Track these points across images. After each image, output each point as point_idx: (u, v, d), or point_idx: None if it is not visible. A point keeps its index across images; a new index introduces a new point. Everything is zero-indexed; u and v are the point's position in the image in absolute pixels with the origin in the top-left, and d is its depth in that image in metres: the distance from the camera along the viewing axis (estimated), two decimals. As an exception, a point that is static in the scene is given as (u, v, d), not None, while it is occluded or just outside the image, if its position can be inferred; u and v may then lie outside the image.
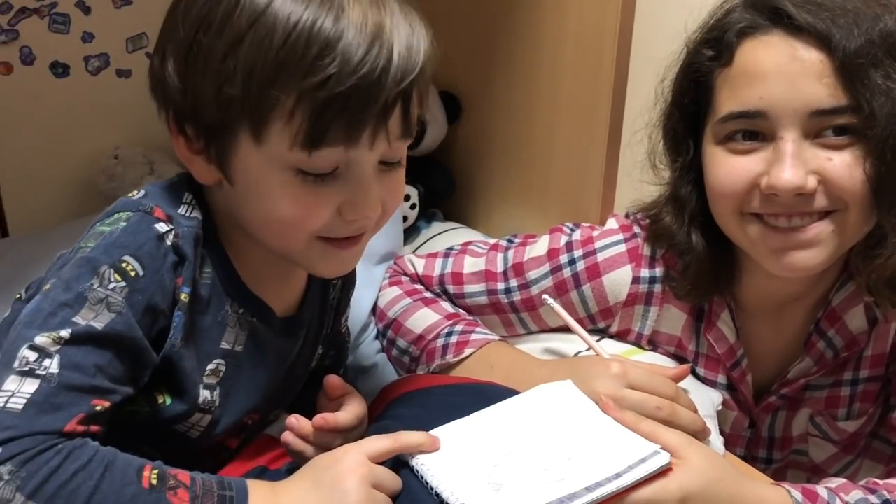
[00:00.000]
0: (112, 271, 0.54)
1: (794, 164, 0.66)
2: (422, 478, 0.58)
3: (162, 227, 0.57)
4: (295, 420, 0.64)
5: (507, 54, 1.11)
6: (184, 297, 0.58)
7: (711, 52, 0.72)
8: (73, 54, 1.13)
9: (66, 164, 1.16)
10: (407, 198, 1.14)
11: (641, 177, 0.81)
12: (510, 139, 1.14)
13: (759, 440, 0.84)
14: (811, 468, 0.85)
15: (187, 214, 0.60)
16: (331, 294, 0.75)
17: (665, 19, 0.88)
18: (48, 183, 1.15)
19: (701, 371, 0.83)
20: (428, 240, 1.15)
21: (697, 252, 0.76)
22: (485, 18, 1.13)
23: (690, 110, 0.75)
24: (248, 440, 0.69)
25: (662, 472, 0.59)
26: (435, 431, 0.62)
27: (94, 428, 0.52)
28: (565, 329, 0.83)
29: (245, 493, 0.53)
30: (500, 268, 0.88)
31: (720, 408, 0.81)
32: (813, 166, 0.67)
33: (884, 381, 0.80)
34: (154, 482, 0.50)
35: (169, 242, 0.57)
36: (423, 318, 0.88)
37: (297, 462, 0.64)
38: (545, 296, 0.83)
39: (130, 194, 0.61)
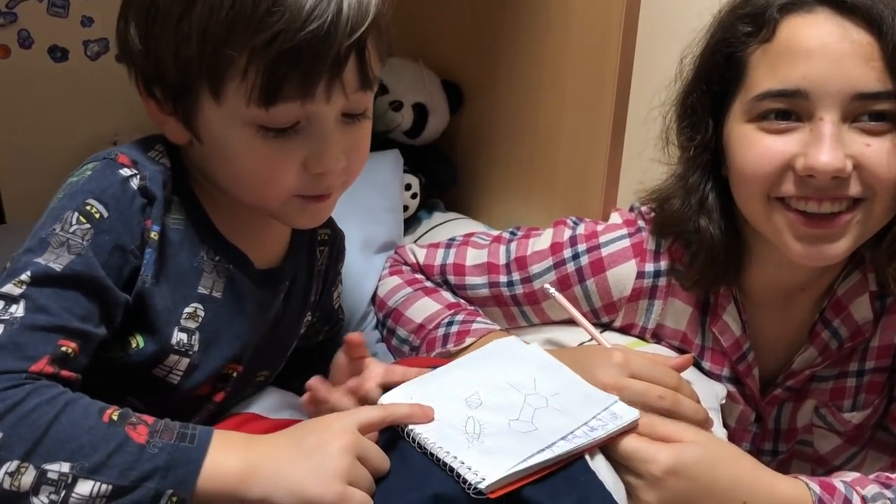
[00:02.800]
0: (77, 214, 0.55)
1: (834, 146, 0.64)
2: (414, 441, 0.58)
3: (126, 171, 0.58)
4: (318, 382, 0.64)
5: (510, 42, 1.10)
6: (153, 235, 0.59)
7: (749, 27, 0.70)
8: (72, 38, 1.11)
9: (64, 150, 1.14)
10: (408, 187, 1.13)
11: (652, 155, 0.79)
12: (513, 129, 1.14)
13: (765, 433, 0.84)
14: (815, 459, 0.84)
15: (155, 159, 0.62)
16: (318, 260, 0.75)
17: (672, 3, 0.87)
18: (46, 169, 1.13)
19: (707, 365, 0.82)
20: (429, 230, 1.14)
21: (707, 239, 0.74)
22: (488, 5, 1.12)
23: (716, 88, 0.73)
24: (234, 395, 0.69)
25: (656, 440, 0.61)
26: (406, 386, 0.62)
27: (65, 373, 0.52)
28: (568, 321, 0.83)
29: (209, 433, 0.52)
30: (502, 260, 0.88)
31: (724, 401, 0.80)
32: (850, 150, 0.65)
33: (890, 371, 0.79)
34: (115, 418, 0.51)
35: (135, 185, 0.58)
36: (424, 308, 0.88)
37: None
38: (547, 285, 0.82)
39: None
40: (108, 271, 0.55)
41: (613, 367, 0.70)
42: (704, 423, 0.70)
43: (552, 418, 0.60)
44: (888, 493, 0.62)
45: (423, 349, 0.86)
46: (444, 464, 0.55)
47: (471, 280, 0.89)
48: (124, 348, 0.60)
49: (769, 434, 0.84)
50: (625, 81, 0.96)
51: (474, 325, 0.83)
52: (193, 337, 0.63)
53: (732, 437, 0.81)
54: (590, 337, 0.79)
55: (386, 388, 0.64)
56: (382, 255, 1.00)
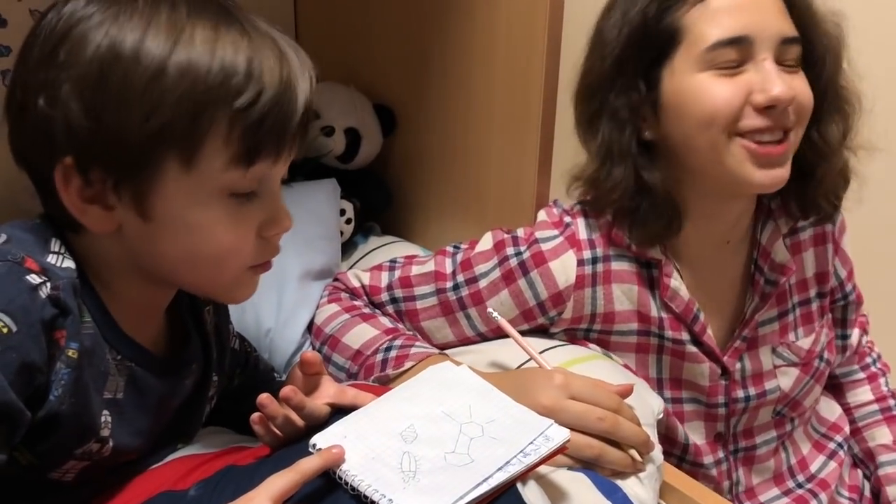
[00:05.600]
0: None
1: (783, 79, 0.76)
2: (347, 484, 0.56)
3: (34, 278, 0.52)
4: (266, 399, 0.62)
5: (440, 66, 1.11)
6: (71, 353, 0.54)
7: None
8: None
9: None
10: (343, 212, 1.12)
11: (579, 149, 0.86)
12: (445, 151, 1.14)
13: (733, 384, 0.89)
14: (780, 399, 0.91)
15: (59, 265, 0.56)
16: (207, 324, 0.72)
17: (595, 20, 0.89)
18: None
19: (669, 333, 0.86)
20: (365, 255, 1.14)
21: (645, 197, 0.81)
22: (417, 31, 1.13)
23: (649, 53, 0.79)
24: (131, 475, 0.65)
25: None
26: (338, 425, 0.61)
27: None
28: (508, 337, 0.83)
29: None
30: (448, 269, 0.90)
31: (661, 416, 0.81)
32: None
33: (818, 300, 0.92)
34: None
35: (44, 295, 0.52)
36: (362, 334, 0.87)
37: (269, 454, 0.63)
38: (490, 309, 0.83)
39: None
40: (15, 391, 0.50)
41: (554, 388, 0.70)
42: (645, 446, 0.71)
43: (488, 448, 0.59)
44: None
45: (362, 375, 0.85)
46: None
47: (419, 290, 0.90)
48: (13, 464, 0.55)
49: (737, 384, 0.89)
50: (550, 101, 0.98)
51: (413, 350, 0.83)
52: (106, 446, 0.60)
53: (708, 394, 0.88)
54: (530, 358, 0.80)
55: (335, 408, 0.64)
56: (320, 283, 0.99)
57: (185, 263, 0.59)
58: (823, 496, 0.93)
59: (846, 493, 0.96)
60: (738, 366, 0.88)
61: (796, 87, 0.77)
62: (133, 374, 0.62)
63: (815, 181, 0.83)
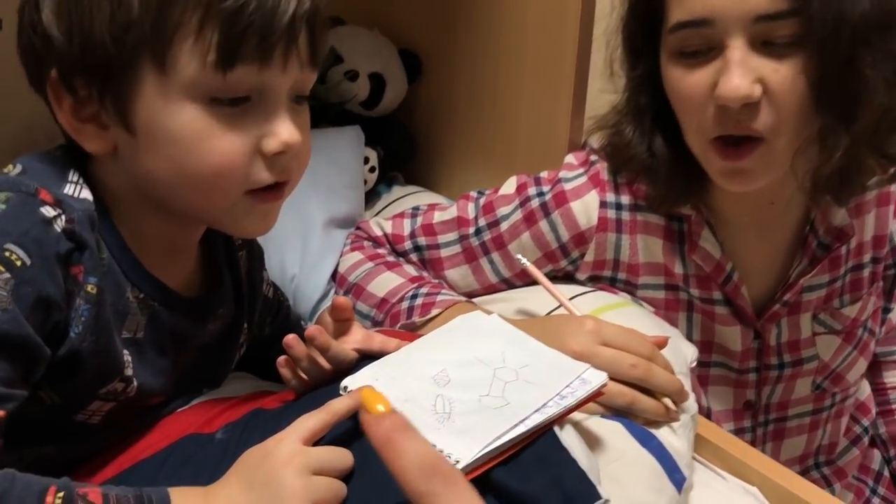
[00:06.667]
0: None
1: (742, 73, 0.67)
2: None
3: (49, 210, 0.51)
4: (293, 339, 0.61)
5: (468, 9, 1.07)
6: (90, 288, 0.53)
7: None
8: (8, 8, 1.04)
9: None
10: (366, 160, 1.10)
11: (603, 87, 0.83)
12: (473, 98, 1.11)
13: (767, 349, 0.86)
14: (818, 369, 0.87)
15: (75, 195, 0.55)
16: (241, 270, 0.70)
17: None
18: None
19: (696, 292, 0.83)
20: (389, 204, 1.12)
21: (662, 158, 0.77)
22: (445, -28, 1.09)
23: (645, 19, 0.74)
24: (157, 419, 0.64)
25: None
26: (368, 369, 0.59)
27: None
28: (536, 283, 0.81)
29: (165, 495, 0.49)
30: (471, 214, 0.88)
31: (694, 364, 0.79)
32: (759, 74, 0.68)
33: (870, 268, 0.85)
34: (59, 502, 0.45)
35: (59, 228, 0.51)
36: (387, 282, 0.86)
37: (296, 398, 0.62)
38: (518, 255, 0.81)
39: (6, 170, 0.55)
40: (32, 326, 0.49)
41: (585, 334, 0.68)
42: (679, 394, 0.69)
43: (523, 391, 0.58)
44: None
45: (387, 323, 0.84)
46: None
47: (442, 238, 0.88)
48: (38, 404, 0.54)
49: (771, 350, 0.86)
50: (585, 47, 0.94)
51: (439, 297, 0.82)
52: (131, 385, 0.58)
53: (739, 360, 0.85)
54: (559, 305, 0.78)
55: (362, 354, 0.63)
56: (343, 232, 0.98)
57: (176, 184, 0.56)
58: (837, 486, 0.91)
59: (855, 473, 0.94)
60: (774, 331, 0.85)
61: (774, 79, 0.66)
62: (155, 313, 0.60)
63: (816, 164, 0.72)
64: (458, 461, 0.50)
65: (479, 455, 0.51)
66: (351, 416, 0.55)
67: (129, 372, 0.58)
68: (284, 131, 0.55)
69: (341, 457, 0.52)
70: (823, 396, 0.89)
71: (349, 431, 0.55)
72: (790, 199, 0.81)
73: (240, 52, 0.52)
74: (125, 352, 0.57)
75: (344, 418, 0.54)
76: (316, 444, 0.53)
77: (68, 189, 0.55)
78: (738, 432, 0.88)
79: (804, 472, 0.91)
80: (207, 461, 0.56)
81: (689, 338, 0.85)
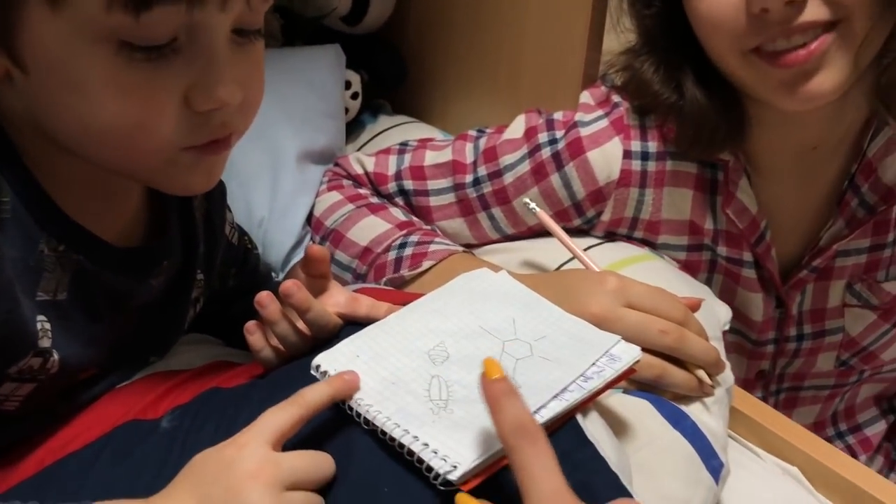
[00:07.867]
0: None
1: None
2: (360, 416, 0.46)
3: None
4: (267, 297, 0.53)
5: None
6: None
7: None
8: None
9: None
10: (347, 85, 1.02)
11: (621, 26, 0.75)
12: (472, 16, 1.03)
13: (789, 318, 0.81)
14: (844, 344, 0.82)
15: None
16: (195, 211, 0.61)
17: None
18: None
19: (723, 251, 0.77)
20: (374, 136, 1.05)
21: (690, 98, 0.70)
22: None
23: None
24: (90, 399, 0.57)
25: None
26: (349, 342, 0.51)
27: None
28: (546, 234, 0.74)
29: None
30: (469, 158, 0.80)
31: (727, 326, 0.72)
32: None
33: None
34: None
35: None
36: (370, 228, 0.79)
37: (262, 374, 0.55)
38: (526, 199, 0.75)
39: None
40: None
41: (606, 294, 0.61)
42: (715, 366, 0.62)
43: (539, 371, 0.50)
44: None
45: (371, 277, 0.76)
46: (402, 445, 0.44)
47: (433, 184, 0.81)
48: None
49: (792, 319, 0.81)
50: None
51: (432, 247, 0.74)
52: (51, 359, 0.50)
53: (758, 331, 0.80)
54: (573, 257, 0.70)
55: (346, 321, 0.55)
56: (321, 168, 0.91)
57: (83, 140, 0.47)
58: (863, 458, 0.87)
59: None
60: (797, 298, 0.79)
61: None
62: (81, 268, 0.51)
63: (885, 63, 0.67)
64: (455, 465, 0.42)
65: (482, 460, 0.43)
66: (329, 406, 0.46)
67: (45, 343, 0.49)
68: (220, 87, 0.46)
69: (319, 464, 0.45)
70: (849, 373, 0.84)
71: (327, 426, 0.47)
72: (836, 145, 0.73)
73: None
74: (41, 317, 0.49)
75: (320, 411, 0.46)
76: (286, 446, 0.45)
77: None
78: None
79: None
80: (150, 456, 0.49)
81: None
